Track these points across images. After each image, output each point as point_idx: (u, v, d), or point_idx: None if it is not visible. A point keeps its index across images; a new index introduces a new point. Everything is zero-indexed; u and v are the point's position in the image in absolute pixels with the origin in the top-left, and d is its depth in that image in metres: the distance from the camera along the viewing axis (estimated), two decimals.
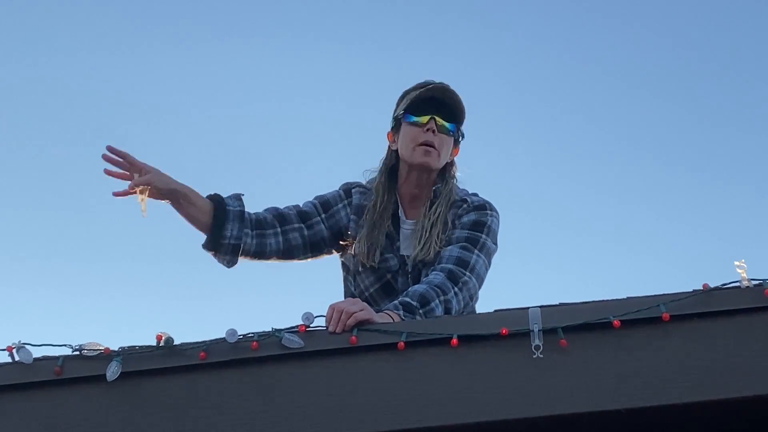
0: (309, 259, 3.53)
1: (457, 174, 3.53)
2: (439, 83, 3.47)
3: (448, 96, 3.44)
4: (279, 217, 3.43)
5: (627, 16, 7.68)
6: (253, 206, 3.41)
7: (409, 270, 3.41)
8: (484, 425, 2.61)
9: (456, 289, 3.15)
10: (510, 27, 7.68)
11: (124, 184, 3.15)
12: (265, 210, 3.45)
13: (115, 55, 7.52)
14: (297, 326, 2.73)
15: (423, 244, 3.36)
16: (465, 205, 3.43)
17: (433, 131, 3.40)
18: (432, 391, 2.62)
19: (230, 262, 3.36)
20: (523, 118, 7.62)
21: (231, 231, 3.30)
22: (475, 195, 3.49)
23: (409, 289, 3.14)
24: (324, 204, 3.53)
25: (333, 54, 7.59)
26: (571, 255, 7.65)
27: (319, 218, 3.49)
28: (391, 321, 2.87)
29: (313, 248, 3.51)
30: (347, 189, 3.57)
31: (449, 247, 3.30)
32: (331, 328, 2.74)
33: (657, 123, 7.79)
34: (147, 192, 3.12)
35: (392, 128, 3.52)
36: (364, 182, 3.59)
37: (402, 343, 2.64)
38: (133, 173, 3.16)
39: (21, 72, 7.46)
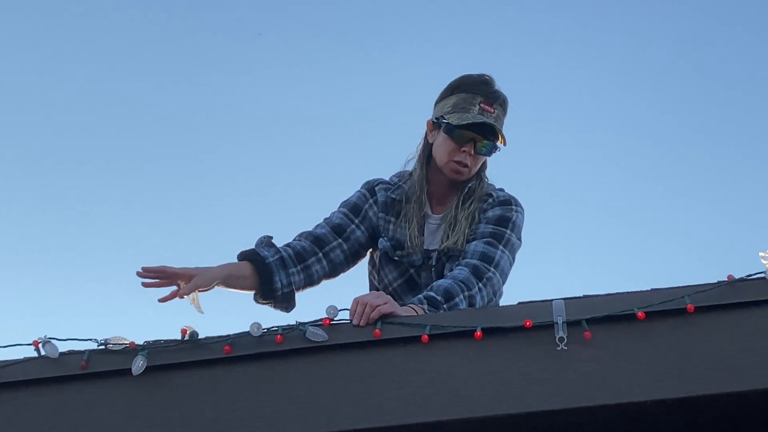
0: (351, 268, 3.53)
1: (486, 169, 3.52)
2: (493, 93, 3.40)
3: (496, 116, 3.39)
4: (316, 241, 3.42)
5: None
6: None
7: (433, 264, 3.41)
8: (508, 418, 2.60)
9: (480, 284, 3.15)
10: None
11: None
12: (299, 236, 3.44)
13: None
14: (321, 320, 2.73)
15: (454, 234, 3.35)
16: (490, 200, 3.42)
17: (469, 153, 3.39)
18: (456, 384, 2.62)
19: (288, 308, 3.38)
20: (543, 104, 7.60)
21: (280, 282, 3.31)
22: (501, 190, 3.48)
23: (434, 283, 3.14)
24: (353, 209, 3.52)
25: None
26: (593, 246, 7.63)
27: (353, 226, 3.48)
28: (415, 315, 2.88)
29: (354, 257, 3.51)
30: (370, 187, 3.56)
31: (474, 242, 3.29)
32: (355, 321, 2.74)
33: (680, 111, 7.75)
34: (197, 294, 3.13)
35: (434, 122, 3.48)
36: (386, 177, 3.59)
37: (426, 336, 2.64)
38: (175, 281, 3.15)
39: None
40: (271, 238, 3.38)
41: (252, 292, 3.32)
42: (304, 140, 7.65)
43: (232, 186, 7.69)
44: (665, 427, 2.79)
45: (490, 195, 3.43)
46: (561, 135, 7.62)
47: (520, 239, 3.38)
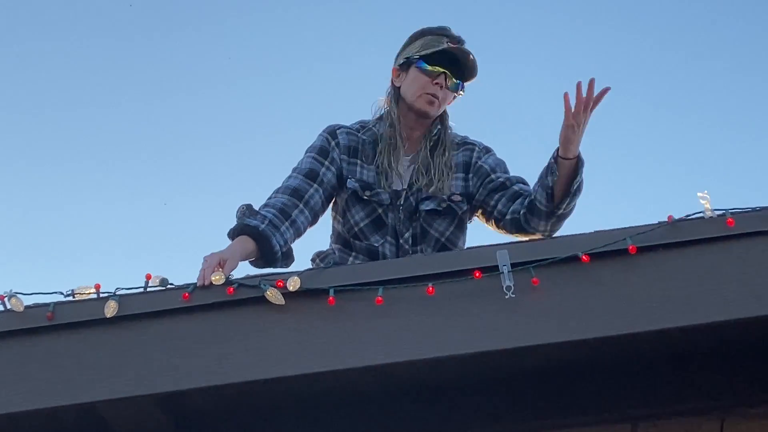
0: (326, 211, 3.57)
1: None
2: (458, 38, 3.55)
3: (463, 55, 3.52)
4: (294, 193, 3.43)
5: None
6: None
7: (401, 204, 3.49)
8: (467, 357, 2.73)
9: None
10: None
11: None
12: (275, 193, 3.45)
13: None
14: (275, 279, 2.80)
15: (438, 181, 3.47)
16: (476, 148, 3.59)
17: (441, 86, 3.50)
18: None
19: (288, 264, 3.37)
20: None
21: (278, 244, 3.31)
22: (467, 137, 3.65)
23: None
24: (321, 152, 3.54)
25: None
26: None
27: (324, 168, 3.51)
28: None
29: (328, 200, 3.55)
30: (332, 131, 3.60)
31: (517, 186, 3.48)
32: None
33: (619, 53, 7.75)
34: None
35: (400, 65, 3.58)
36: (347, 123, 3.65)
37: (380, 299, 2.71)
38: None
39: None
40: (251, 205, 3.41)
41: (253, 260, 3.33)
42: (262, 86, 7.63)
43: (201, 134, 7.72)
44: (612, 364, 2.91)
45: (474, 143, 3.62)
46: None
47: None
